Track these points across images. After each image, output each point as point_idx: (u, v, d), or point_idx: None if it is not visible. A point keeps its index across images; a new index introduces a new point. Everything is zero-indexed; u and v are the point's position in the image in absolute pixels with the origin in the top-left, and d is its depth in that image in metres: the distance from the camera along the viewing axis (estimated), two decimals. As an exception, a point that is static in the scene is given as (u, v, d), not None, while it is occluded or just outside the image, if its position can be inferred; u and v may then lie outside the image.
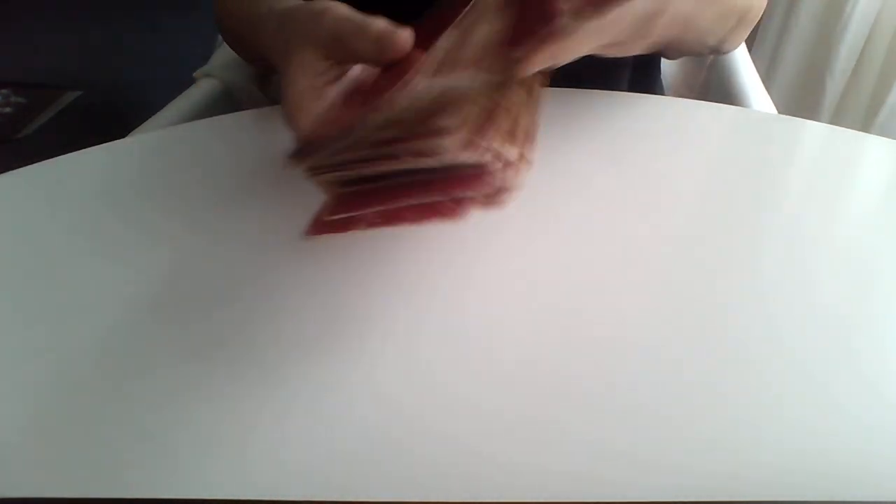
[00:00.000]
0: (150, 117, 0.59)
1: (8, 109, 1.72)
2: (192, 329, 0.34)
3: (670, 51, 0.57)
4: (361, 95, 0.35)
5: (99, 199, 0.43)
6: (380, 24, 0.34)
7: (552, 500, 0.27)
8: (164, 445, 0.29)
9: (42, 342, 0.34)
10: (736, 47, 0.57)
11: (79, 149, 0.47)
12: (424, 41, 0.35)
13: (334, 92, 0.36)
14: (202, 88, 0.66)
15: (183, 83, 0.66)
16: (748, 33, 0.55)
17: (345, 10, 0.36)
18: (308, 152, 0.32)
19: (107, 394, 0.31)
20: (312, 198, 0.41)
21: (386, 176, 0.30)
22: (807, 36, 1.27)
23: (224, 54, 0.70)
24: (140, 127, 0.57)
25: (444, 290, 0.36)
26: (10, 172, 0.46)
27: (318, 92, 0.36)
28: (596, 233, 0.39)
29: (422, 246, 0.38)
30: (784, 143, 0.47)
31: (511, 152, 0.29)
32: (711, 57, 0.71)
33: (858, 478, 0.27)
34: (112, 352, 0.33)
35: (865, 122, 1.26)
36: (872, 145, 0.47)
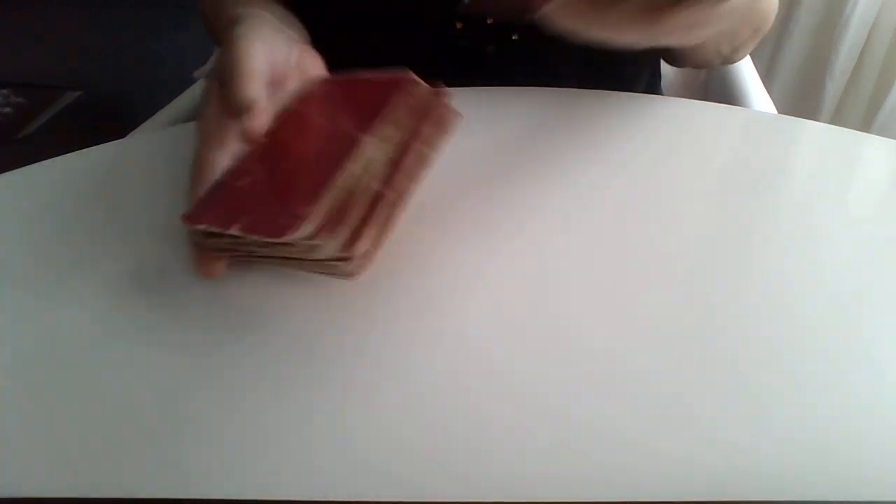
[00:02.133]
0: (150, 117, 0.59)
1: (8, 109, 1.72)
2: (193, 329, 0.34)
3: (681, 59, 0.57)
4: (249, 191, 0.36)
5: (99, 199, 0.43)
6: (250, 91, 0.35)
7: (552, 500, 0.27)
8: (164, 445, 0.29)
9: (42, 342, 0.34)
10: (743, 57, 0.58)
11: (79, 149, 0.47)
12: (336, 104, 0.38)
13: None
14: (202, 88, 0.66)
15: (183, 83, 0.67)
16: (757, 42, 0.55)
17: (244, 51, 0.37)
18: (193, 222, 0.34)
19: (107, 393, 0.31)
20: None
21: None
22: (807, 36, 1.27)
23: (224, 54, 0.70)
24: (140, 127, 0.57)
25: (445, 290, 0.36)
26: (10, 172, 0.46)
27: (215, 120, 0.37)
28: (595, 232, 0.39)
29: (422, 247, 0.38)
30: (784, 143, 0.47)
31: (358, 248, 0.32)
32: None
33: (858, 478, 0.27)
34: (112, 351, 0.33)
35: (865, 122, 1.26)
36: (872, 145, 0.47)
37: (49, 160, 0.46)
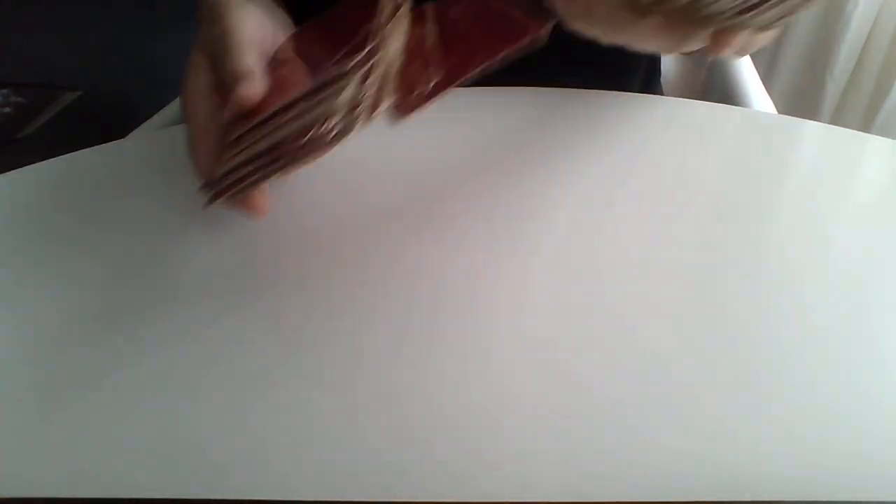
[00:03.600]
0: (150, 117, 0.59)
1: (8, 109, 1.71)
2: (193, 328, 0.34)
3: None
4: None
5: (99, 199, 0.43)
6: (243, 63, 0.34)
7: (552, 500, 0.27)
8: (164, 445, 0.29)
9: (42, 342, 0.34)
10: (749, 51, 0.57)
11: (79, 149, 0.47)
12: (318, 41, 0.37)
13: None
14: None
15: (183, 83, 0.66)
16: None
17: (234, 23, 0.36)
18: (211, 181, 0.33)
19: (107, 393, 0.31)
20: (312, 197, 0.42)
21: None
22: (807, 36, 1.27)
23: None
24: (140, 127, 0.57)
25: (445, 289, 0.36)
26: (10, 172, 0.46)
27: (205, 94, 0.36)
28: (595, 233, 0.39)
29: (421, 247, 0.38)
30: (784, 143, 0.47)
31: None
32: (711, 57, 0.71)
33: (858, 478, 0.27)
34: (112, 351, 0.33)
35: (865, 122, 1.26)
36: (872, 145, 0.47)
37: (49, 160, 0.46)
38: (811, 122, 0.49)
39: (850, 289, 0.35)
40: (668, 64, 0.78)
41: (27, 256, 0.39)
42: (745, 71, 0.65)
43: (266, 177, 0.33)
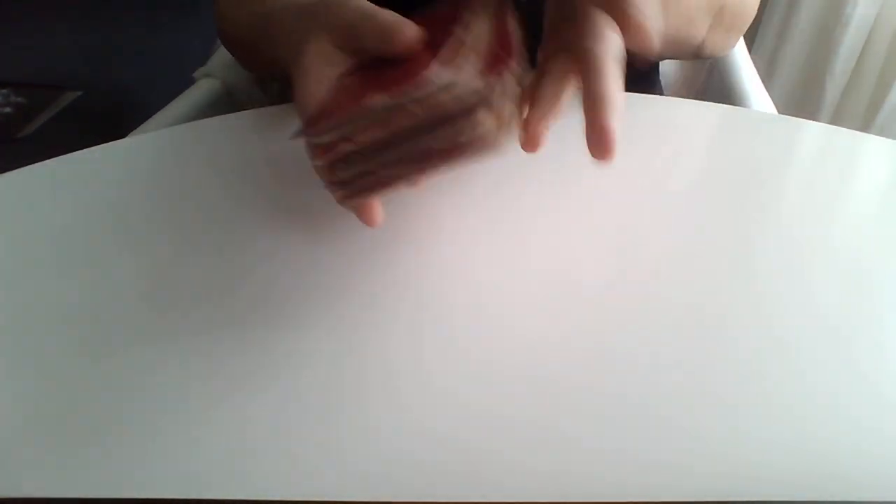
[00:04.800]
0: (150, 117, 0.59)
1: (8, 109, 1.72)
2: (193, 328, 0.34)
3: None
4: (371, 84, 0.34)
5: (99, 199, 0.43)
6: (387, 15, 0.34)
7: (552, 501, 0.27)
8: (165, 445, 0.29)
9: (42, 341, 0.34)
10: (723, 51, 0.57)
11: (79, 149, 0.47)
12: (428, 36, 0.35)
13: (345, 78, 0.36)
14: (202, 88, 0.66)
15: (183, 83, 0.66)
16: (733, 36, 0.55)
17: (360, 3, 0.36)
18: (315, 129, 0.31)
19: (107, 393, 0.31)
20: (313, 197, 0.41)
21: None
22: (807, 36, 1.27)
23: (224, 54, 0.70)
24: (140, 127, 0.57)
25: (446, 290, 0.36)
26: (10, 172, 0.46)
27: (331, 82, 0.35)
28: (594, 233, 0.39)
29: (424, 246, 0.38)
30: (784, 143, 0.47)
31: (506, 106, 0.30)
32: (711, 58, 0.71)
33: (858, 478, 0.27)
34: (112, 351, 0.33)
35: (865, 122, 1.26)
36: (872, 145, 0.47)
37: (49, 160, 0.46)
38: (811, 122, 0.49)
39: (850, 288, 0.35)
40: (668, 64, 0.78)
41: (27, 256, 0.39)
42: (745, 71, 0.65)
43: (390, 183, 0.31)
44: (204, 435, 0.29)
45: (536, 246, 0.38)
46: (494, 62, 0.30)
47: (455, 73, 0.28)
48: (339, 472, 0.28)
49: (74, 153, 0.47)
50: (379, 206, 0.34)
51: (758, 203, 0.41)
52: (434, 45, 0.34)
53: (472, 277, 0.36)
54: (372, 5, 0.36)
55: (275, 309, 0.35)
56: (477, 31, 0.33)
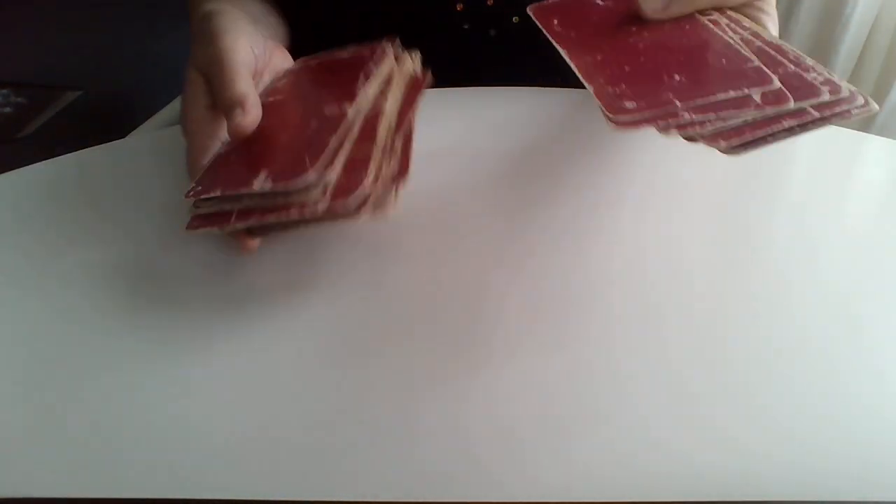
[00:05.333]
0: (150, 117, 0.59)
1: (8, 109, 1.71)
2: (193, 329, 0.34)
3: None
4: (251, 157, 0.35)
5: (99, 199, 0.43)
6: (236, 90, 0.35)
7: (552, 500, 0.27)
8: (165, 445, 0.29)
9: (42, 341, 0.34)
10: None
11: (79, 149, 0.47)
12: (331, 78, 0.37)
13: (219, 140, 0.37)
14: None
15: (183, 83, 0.66)
16: None
17: (229, 44, 0.36)
18: (200, 193, 0.33)
19: (107, 393, 0.31)
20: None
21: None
22: (807, 36, 1.27)
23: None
24: (140, 127, 0.57)
25: (447, 289, 0.36)
26: (10, 172, 0.46)
27: (203, 113, 0.37)
28: (594, 233, 0.39)
29: (422, 247, 0.38)
30: (784, 144, 0.47)
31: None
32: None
33: (858, 478, 0.27)
34: (112, 351, 0.33)
35: (865, 122, 1.26)
36: (872, 145, 0.47)
37: (49, 160, 0.46)
38: (811, 122, 0.49)
39: (850, 289, 0.35)
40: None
41: (27, 256, 0.39)
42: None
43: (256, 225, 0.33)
44: (204, 435, 0.29)
45: (535, 245, 0.38)
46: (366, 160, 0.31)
47: (328, 175, 0.30)
48: (339, 472, 0.28)
49: (74, 153, 0.47)
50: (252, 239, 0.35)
51: (757, 203, 0.41)
52: (338, 84, 0.36)
53: (471, 276, 0.36)
54: (233, 60, 0.36)
55: (274, 308, 0.35)
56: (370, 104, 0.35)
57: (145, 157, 0.47)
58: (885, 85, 1.21)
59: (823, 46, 1.25)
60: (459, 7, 0.52)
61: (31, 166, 0.46)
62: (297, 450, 0.29)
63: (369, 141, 0.33)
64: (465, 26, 0.53)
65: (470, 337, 0.33)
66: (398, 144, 0.34)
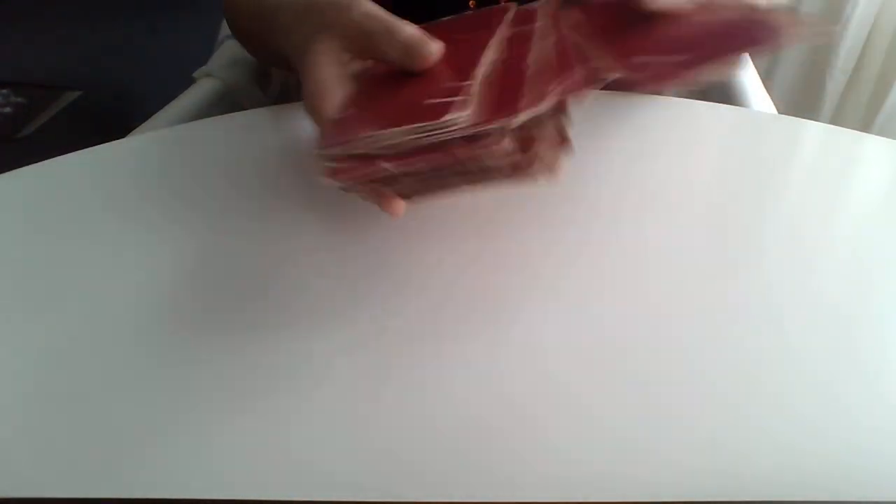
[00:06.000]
0: (150, 117, 0.59)
1: (8, 109, 1.71)
2: (193, 328, 0.34)
3: None
4: (385, 102, 0.34)
5: (99, 199, 0.43)
6: (410, 30, 0.34)
7: (552, 500, 0.27)
8: (165, 445, 0.29)
9: (42, 342, 0.34)
10: None
11: (79, 149, 0.47)
12: (450, 47, 0.35)
13: (356, 83, 0.35)
14: (202, 88, 0.66)
15: (183, 83, 0.66)
16: None
17: (371, 7, 0.36)
18: (332, 148, 0.30)
19: (107, 393, 0.31)
20: (312, 197, 0.41)
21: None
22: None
23: (224, 54, 0.70)
24: (140, 127, 0.57)
25: (447, 290, 0.36)
26: (10, 172, 0.46)
27: (340, 81, 0.35)
28: (594, 233, 0.39)
29: (428, 247, 0.38)
30: (784, 143, 0.47)
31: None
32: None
33: (858, 478, 0.27)
34: (112, 352, 0.33)
35: (865, 122, 1.26)
36: (872, 145, 0.47)
37: (49, 160, 0.46)
38: (811, 122, 0.49)
39: (850, 288, 0.35)
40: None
41: (27, 256, 0.39)
42: (745, 71, 0.65)
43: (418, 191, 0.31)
44: (204, 435, 0.29)
45: (536, 245, 0.38)
46: (514, 100, 0.29)
47: (472, 115, 0.27)
48: (338, 472, 0.28)
49: (74, 153, 0.47)
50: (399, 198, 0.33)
51: (758, 203, 0.41)
52: (456, 56, 0.34)
53: (472, 276, 0.36)
54: (385, 14, 0.35)
55: (276, 308, 0.35)
56: (506, 56, 0.32)
57: (145, 157, 0.47)
58: (885, 85, 1.22)
59: (823, 46, 1.25)
60: (472, 3, 0.52)
61: (31, 166, 0.46)
62: (297, 450, 0.29)
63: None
64: None
65: (470, 336, 0.33)
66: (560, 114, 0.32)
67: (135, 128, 0.56)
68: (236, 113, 0.52)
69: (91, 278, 0.37)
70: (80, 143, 0.48)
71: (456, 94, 0.28)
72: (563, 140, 0.31)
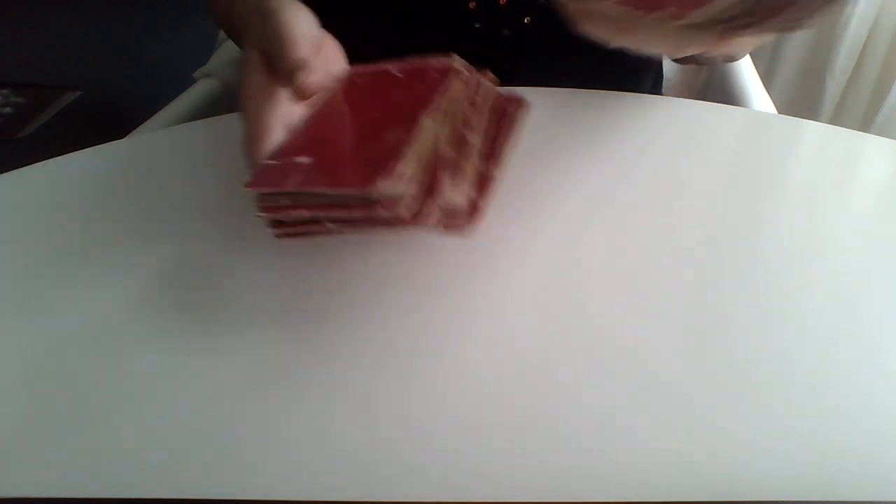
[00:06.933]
0: (150, 117, 0.59)
1: (8, 109, 1.71)
2: (192, 329, 0.34)
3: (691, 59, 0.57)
4: (324, 146, 0.35)
5: (99, 199, 0.43)
6: (299, 54, 0.34)
7: (552, 500, 0.27)
8: (165, 445, 0.29)
9: (42, 342, 0.34)
10: (745, 54, 0.57)
11: (79, 149, 0.47)
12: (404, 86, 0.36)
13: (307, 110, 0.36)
14: (202, 88, 0.66)
15: (183, 83, 0.66)
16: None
17: (289, 17, 0.36)
18: (262, 190, 0.32)
19: (107, 393, 0.31)
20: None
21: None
22: (807, 36, 1.27)
23: (224, 54, 0.70)
24: (140, 127, 0.57)
25: (445, 291, 0.36)
26: (10, 172, 0.46)
27: (266, 93, 0.36)
28: (594, 233, 0.39)
29: (424, 248, 0.38)
30: (784, 143, 0.47)
31: (457, 198, 0.31)
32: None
33: (858, 478, 0.27)
34: (112, 351, 0.33)
35: (865, 122, 1.26)
36: (872, 145, 0.47)
37: (49, 160, 0.46)
38: (811, 122, 0.49)
39: (850, 288, 0.35)
40: (668, 64, 0.78)
41: (27, 256, 0.39)
42: (745, 71, 0.65)
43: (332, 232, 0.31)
44: (204, 435, 0.29)
45: (537, 245, 0.38)
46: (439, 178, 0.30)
47: (399, 188, 0.29)
48: (339, 472, 0.28)
49: (74, 153, 0.47)
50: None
51: (758, 203, 0.41)
52: (401, 106, 0.35)
53: (473, 275, 0.36)
54: (293, 29, 0.35)
55: (276, 309, 0.35)
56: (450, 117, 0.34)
57: (145, 157, 0.47)
58: (885, 85, 1.21)
59: (823, 46, 1.25)
60: (472, 5, 0.52)
61: (31, 166, 0.46)
62: (297, 450, 0.29)
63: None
64: (477, 25, 0.53)
65: (470, 337, 0.33)
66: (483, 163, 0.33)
67: (134, 128, 0.56)
68: (236, 113, 0.52)
69: (91, 278, 0.37)
70: (80, 143, 0.48)
71: (384, 173, 0.29)
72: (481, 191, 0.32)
